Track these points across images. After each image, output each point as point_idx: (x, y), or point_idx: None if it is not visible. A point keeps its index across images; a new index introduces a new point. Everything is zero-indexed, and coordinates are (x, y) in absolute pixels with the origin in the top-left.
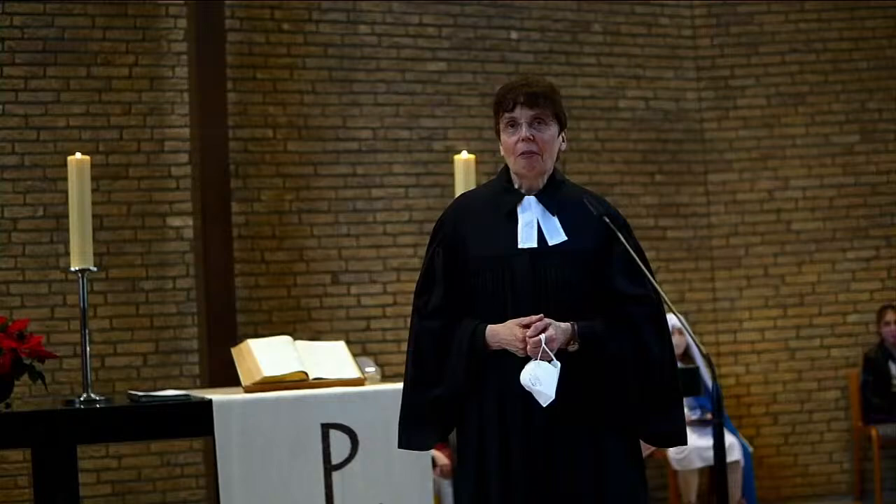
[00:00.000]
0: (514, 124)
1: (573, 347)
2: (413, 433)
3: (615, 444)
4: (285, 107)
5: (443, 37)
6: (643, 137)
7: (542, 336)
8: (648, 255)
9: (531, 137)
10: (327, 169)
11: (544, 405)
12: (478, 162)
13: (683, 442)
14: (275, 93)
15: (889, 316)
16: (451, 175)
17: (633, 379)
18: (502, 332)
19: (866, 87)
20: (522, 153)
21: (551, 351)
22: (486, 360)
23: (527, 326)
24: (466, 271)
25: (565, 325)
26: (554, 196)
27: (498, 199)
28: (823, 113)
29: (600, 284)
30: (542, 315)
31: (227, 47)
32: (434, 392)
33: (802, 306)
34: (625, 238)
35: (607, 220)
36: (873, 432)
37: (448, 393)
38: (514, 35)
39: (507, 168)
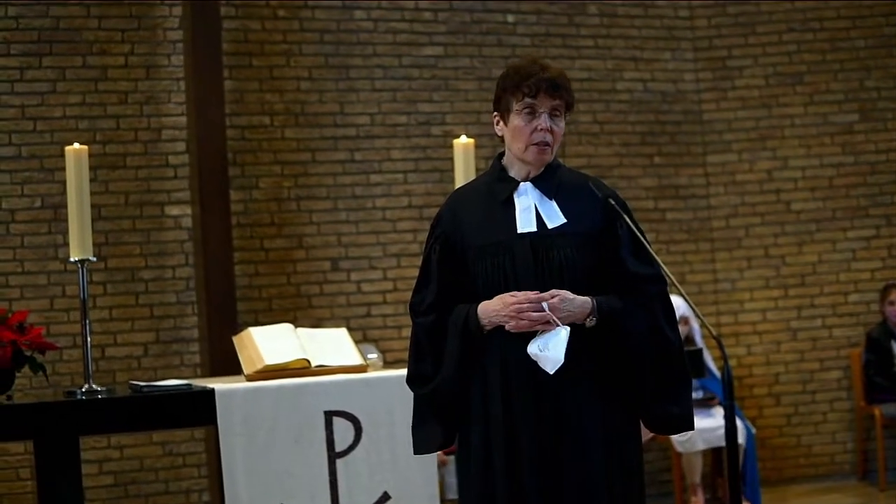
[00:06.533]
0: (532, 111)
1: (591, 323)
2: (419, 434)
3: (619, 412)
4: (282, 94)
5: (439, 21)
6: (641, 119)
7: (545, 304)
8: (648, 237)
9: (550, 129)
10: (325, 155)
11: (551, 371)
12: (476, 146)
13: (690, 427)
14: (271, 80)
15: (893, 295)
16: (450, 160)
17: (647, 357)
18: (492, 305)
19: (864, 65)
20: (537, 143)
21: (561, 322)
22: (483, 338)
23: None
24: (466, 262)
25: (583, 299)
26: (550, 181)
27: (493, 187)
28: (822, 92)
29: (604, 266)
30: (553, 291)
31: (223, 34)
32: (433, 381)
33: (803, 286)
34: (628, 220)
35: (612, 203)
36: (876, 412)
37: (445, 377)
38: (510, 18)
39: (500, 157)
